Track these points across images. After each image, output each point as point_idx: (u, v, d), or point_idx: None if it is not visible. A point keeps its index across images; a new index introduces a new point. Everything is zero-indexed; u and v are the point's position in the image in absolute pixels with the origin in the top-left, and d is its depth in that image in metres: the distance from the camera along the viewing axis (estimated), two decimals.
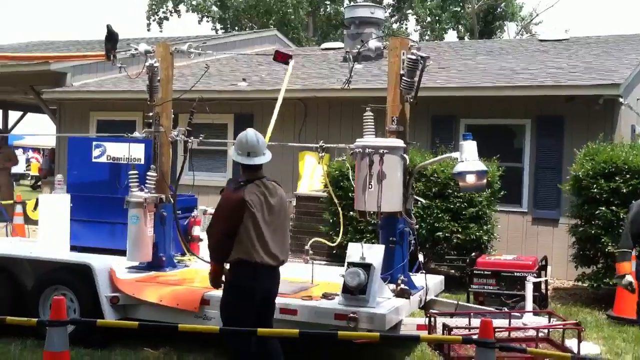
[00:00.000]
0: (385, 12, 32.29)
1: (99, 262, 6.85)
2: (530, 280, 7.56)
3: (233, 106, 13.55)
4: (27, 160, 33.99)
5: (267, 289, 5.40)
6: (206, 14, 36.68)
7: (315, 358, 6.73)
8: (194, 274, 7.54)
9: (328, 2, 37.22)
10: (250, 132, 5.44)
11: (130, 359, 6.42)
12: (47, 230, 8.21)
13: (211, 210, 10.91)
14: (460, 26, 37.52)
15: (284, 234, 5.45)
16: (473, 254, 8.87)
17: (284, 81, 8.77)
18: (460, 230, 9.88)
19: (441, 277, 8.07)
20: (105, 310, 6.54)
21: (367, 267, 6.07)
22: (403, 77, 6.88)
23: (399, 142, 6.86)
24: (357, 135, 7.32)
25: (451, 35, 39.07)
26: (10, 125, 23.69)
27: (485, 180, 6.82)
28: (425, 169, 9.69)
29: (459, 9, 36.54)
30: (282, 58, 8.54)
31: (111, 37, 7.99)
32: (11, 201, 13.19)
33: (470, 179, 6.65)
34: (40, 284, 6.97)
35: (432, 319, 6.23)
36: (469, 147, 6.71)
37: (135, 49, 8.03)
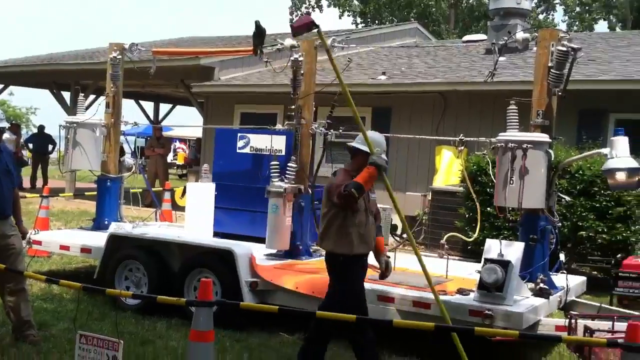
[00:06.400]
0: (532, 2, 31.23)
1: (240, 249, 7.09)
2: None
3: (372, 99, 13.61)
4: (175, 150, 35.74)
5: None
6: (347, 8, 37.04)
7: (445, 354, 6.63)
8: None
9: None
10: None
11: (267, 342, 6.60)
12: (193, 217, 8.59)
13: None
14: (612, 16, 35.63)
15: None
16: (619, 255, 8.43)
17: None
18: (605, 230, 9.41)
19: (583, 278, 7.75)
20: (244, 294, 6.76)
21: (505, 264, 5.92)
22: (551, 70, 6.66)
23: (544, 137, 6.64)
24: (497, 130, 7.14)
25: (601, 26, 37.18)
26: (160, 117, 25.11)
27: (637, 178, 6.47)
28: (570, 166, 9.31)
29: None
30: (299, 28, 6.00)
31: (259, 33, 8.21)
32: (160, 188, 13.96)
33: (621, 177, 6.35)
34: (186, 267, 7.30)
35: (573, 320, 5.99)
36: (621, 143, 6.40)
37: (281, 44, 8.23)
